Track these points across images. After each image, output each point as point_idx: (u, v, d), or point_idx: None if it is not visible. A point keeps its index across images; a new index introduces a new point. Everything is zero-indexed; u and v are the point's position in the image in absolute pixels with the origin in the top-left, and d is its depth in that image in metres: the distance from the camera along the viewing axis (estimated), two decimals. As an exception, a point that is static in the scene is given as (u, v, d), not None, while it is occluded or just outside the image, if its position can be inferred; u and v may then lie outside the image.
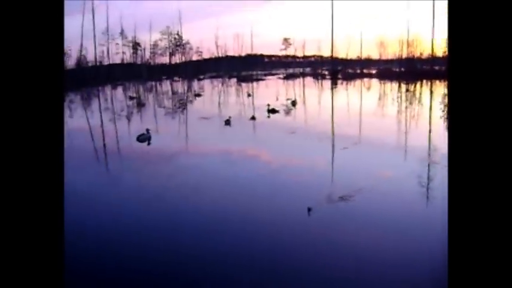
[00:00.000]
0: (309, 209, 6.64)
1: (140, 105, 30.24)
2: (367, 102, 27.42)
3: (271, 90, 43.67)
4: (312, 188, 8.18)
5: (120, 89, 50.23)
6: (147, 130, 14.89)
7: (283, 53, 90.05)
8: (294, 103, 25.66)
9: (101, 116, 23.59)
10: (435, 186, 8.10)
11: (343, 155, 11.34)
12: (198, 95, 37.29)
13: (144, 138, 14.55)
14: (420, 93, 34.53)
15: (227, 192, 8.22)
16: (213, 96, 36.66)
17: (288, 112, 22.43)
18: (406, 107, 24.04)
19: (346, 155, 11.27)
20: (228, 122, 17.84)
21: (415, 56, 61.66)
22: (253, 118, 19.55)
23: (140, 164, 11.48)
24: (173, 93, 43.22)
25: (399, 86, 42.65)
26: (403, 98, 30.62)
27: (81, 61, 65.76)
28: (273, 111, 21.36)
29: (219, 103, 29.84)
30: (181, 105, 29.39)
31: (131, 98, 34.64)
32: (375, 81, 53.63)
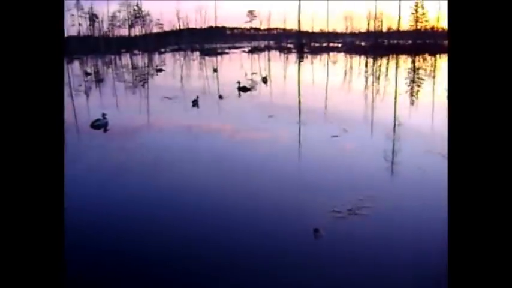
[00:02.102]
0: (316, 230, 5.35)
1: (97, 81, 28.02)
2: (338, 79, 26.24)
3: (236, 64, 42.33)
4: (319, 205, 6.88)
5: (76, 64, 47.35)
6: (103, 115, 12.86)
7: (248, 25, 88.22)
8: (265, 80, 24.18)
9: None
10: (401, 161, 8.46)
11: (336, 143, 10.08)
12: (160, 70, 35.11)
13: (100, 124, 12.61)
14: (391, 68, 33.68)
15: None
16: (176, 71, 34.72)
17: (259, 90, 20.99)
18: (378, 83, 23.09)
19: (340, 143, 10.01)
20: (195, 103, 16.07)
21: (382, 30, 61.15)
22: (220, 97, 18.04)
23: (90, 162, 9.35)
24: (133, 67, 40.89)
25: (368, 61, 41.83)
26: (373, 73, 29.69)
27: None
28: (243, 89, 19.85)
29: (182, 79, 28.00)
30: (142, 81, 27.27)
31: (87, 74, 32.15)
32: (341, 56, 52.81)
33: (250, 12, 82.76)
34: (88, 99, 20.13)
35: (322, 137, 10.55)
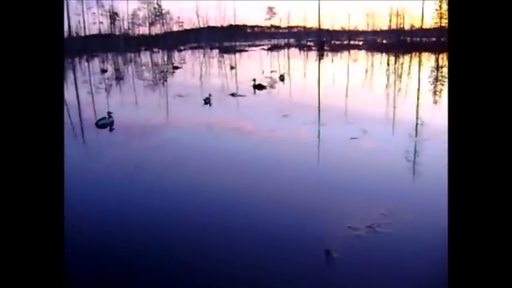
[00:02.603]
0: (328, 253, 4.61)
1: (113, 79, 27.58)
2: (358, 77, 25.29)
3: (255, 62, 41.74)
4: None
5: (95, 61, 47.29)
6: (109, 114, 12.26)
7: (268, 23, 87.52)
8: (282, 78, 23.35)
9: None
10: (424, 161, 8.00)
11: (355, 148, 9.24)
12: (177, 68, 34.61)
13: (105, 123, 12.02)
14: (413, 66, 32.47)
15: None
16: (193, 69, 34.19)
17: (275, 88, 20.22)
18: (401, 83, 22.09)
19: (359, 148, 9.19)
20: (207, 101, 15.36)
21: (404, 28, 59.72)
22: (233, 95, 17.35)
23: (91, 165, 8.95)
24: (150, 65, 40.49)
25: (390, 59, 40.65)
26: (395, 71, 28.62)
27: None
28: (259, 87, 19.11)
29: (199, 77, 27.39)
30: (157, 79, 26.65)
31: (103, 71, 31.80)
32: (362, 53, 51.66)
33: (270, 9, 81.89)
34: (98, 96, 19.56)
35: (339, 138, 9.73)
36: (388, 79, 23.66)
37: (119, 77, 28.36)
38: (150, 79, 27.01)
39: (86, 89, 21.30)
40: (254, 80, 19.37)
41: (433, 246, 4.62)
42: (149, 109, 15.52)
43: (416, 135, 9.94)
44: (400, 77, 25.22)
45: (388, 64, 35.83)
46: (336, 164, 7.96)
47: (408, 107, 14.32)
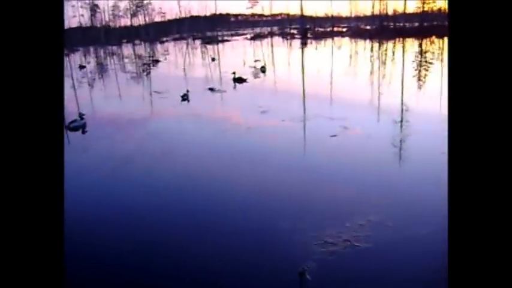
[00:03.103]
0: (302, 274, 4.20)
1: (91, 75, 26.79)
2: (342, 66, 24.80)
3: (237, 52, 41.10)
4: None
5: (75, 56, 46.28)
6: (81, 115, 11.63)
7: (250, 11, 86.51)
8: (263, 69, 22.73)
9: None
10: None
11: (334, 144, 8.80)
12: (157, 61, 33.81)
13: (77, 125, 11.34)
14: (397, 52, 32.07)
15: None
16: (173, 62, 33.45)
17: (257, 80, 19.69)
18: (384, 68, 21.69)
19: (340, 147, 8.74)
20: (185, 98, 14.80)
21: (388, 14, 59.27)
22: (212, 90, 16.74)
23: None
24: (131, 59, 39.60)
25: (374, 45, 40.25)
26: (379, 58, 28.22)
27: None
28: (239, 80, 18.54)
29: (179, 70, 26.73)
30: (137, 74, 25.91)
31: (81, 67, 30.89)
32: (346, 40, 51.18)
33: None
34: (72, 95, 18.76)
35: (319, 136, 9.29)
36: (372, 66, 23.27)
37: (97, 73, 27.56)
38: (130, 74, 26.19)
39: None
40: (234, 73, 18.79)
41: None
42: (124, 108, 14.87)
43: (402, 131, 9.53)
44: (384, 63, 24.89)
45: (371, 51, 35.48)
46: (315, 168, 7.50)
47: (393, 97, 13.74)
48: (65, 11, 66.85)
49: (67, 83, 22.26)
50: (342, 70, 22.69)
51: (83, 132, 11.17)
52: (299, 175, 7.03)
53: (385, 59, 27.21)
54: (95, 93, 19.08)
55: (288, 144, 8.87)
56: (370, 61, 26.02)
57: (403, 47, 36.69)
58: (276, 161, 7.81)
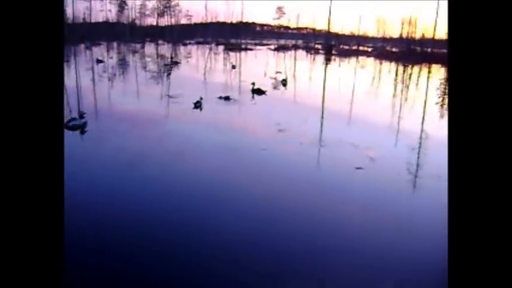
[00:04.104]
0: None
1: (107, 71, 26.06)
2: (365, 88, 23.77)
3: (259, 62, 40.29)
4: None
5: (96, 49, 45.92)
6: (81, 114, 10.79)
7: (276, 22, 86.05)
8: (284, 82, 21.77)
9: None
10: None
11: (359, 180, 7.71)
12: (176, 63, 33.04)
13: (76, 125, 10.48)
14: (422, 78, 30.83)
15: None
16: (193, 66, 32.68)
17: (276, 93, 18.71)
18: (407, 94, 20.58)
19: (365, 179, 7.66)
20: (197, 105, 13.86)
21: (415, 37, 58.08)
22: (226, 99, 15.75)
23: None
24: (151, 58, 38.99)
25: (399, 68, 39.09)
26: (403, 83, 27.08)
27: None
28: (258, 91, 17.58)
29: (197, 75, 25.90)
30: (153, 75, 25.07)
31: (98, 62, 30.26)
32: (371, 61, 50.08)
33: (279, 8, 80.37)
34: (81, 91, 17.86)
35: (342, 168, 8.16)
36: (394, 91, 22.16)
37: (114, 69, 26.83)
38: (147, 74, 25.42)
39: (72, 82, 19.72)
40: (253, 83, 17.82)
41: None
42: (130, 111, 13.71)
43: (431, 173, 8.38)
44: (407, 87, 23.91)
45: (396, 74, 34.34)
46: (337, 216, 6.30)
47: (420, 125, 12.64)
48: (93, 4, 67.39)
49: (81, 76, 21.57)
50: (365, 92, 21.68)
51: (82, 132, 10.27)
52: (316, 227, 5.80)
53: (408, 84, 26.10)
54: (105, 91, 18.14)
55: (306, 176, 7.69)
56: (394, 86, 24.91)
57: (429, 73, 35.45)
58: (290, 199, 6.64)
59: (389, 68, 40.96)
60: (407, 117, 14.67)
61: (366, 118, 13.87)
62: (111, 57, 37.40)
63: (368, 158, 8.57)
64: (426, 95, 20.70)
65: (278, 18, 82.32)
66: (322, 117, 13.59)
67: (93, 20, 70.32)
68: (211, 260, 4.70)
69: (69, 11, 62.12)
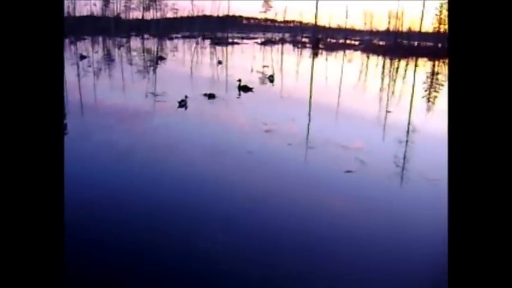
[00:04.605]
0: None
1: (90, 67, 25.45)
2: (353, 82, 23.54)
3: (246, 56, 39.83)
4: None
5: (81, 44, 45.10)
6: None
7: (263, 16, 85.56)
8: (271, 78, 21.38)
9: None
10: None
11: (350, 185, 7.40)
12: (161, 58, 32.45)
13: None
14: (409, 71, 30.63)
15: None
16: (179, 62, 32.14)
17: (263, 89, 18.35)
18: (394, 88, 20.35)
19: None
20: (182, 104, 13.36)
21: (402, 30, 58.02)
22: (210, 96, 15.27)
23: None
24: (135, 53, 38.33)
25: (386, 62, 38.95)
26: (390, 77, 26.89)
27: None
28: (244, 88, 17.20)
29: (181, 71, 25.42)
30: (137, 71, 24.42)
31: (82, 57, 29.55)
32: (358, 54, 49.91)
33: (266, 2, 79.84)
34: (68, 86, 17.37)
35: (331, 171, 7.82)
36: (383, 85, 22.00)
37: (97, 66, 26.17)
38: (130, 70, 24.84)
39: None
40: (239, 80, 17.37)
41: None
42: (114, 112, 13.02)
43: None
44: (394, 81, 23.91)
45: (383, 67, 34.19)
46: (323, 217, 6.07)
47: (413, 122, 12.37)
48: (64, 15, 66.50)
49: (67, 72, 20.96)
50: (353, 86, 21.45)
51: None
52: (307, 237, 5.47)
53: (395, 78, 25.96)
54: (86, 89, 17.27)
55: (294, 180, 7.30)
56: (382, 78, 24.74)
57: (415, 67, 35.36)
58: (276, 205, 6.33)
59: (376, 61, 40.83)
60: (396, 111, 14.35)
61: (356, 115, 13.59)
62: (96, 52, 36.69)
63: (359, 161, 8.23)
64: (413, 88, 20.49)
65: (265, 12, 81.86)
66: (310, 114, 13.26)
67: (77, 14, 69.41)
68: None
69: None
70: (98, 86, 18.58)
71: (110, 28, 65.71)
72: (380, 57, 44.87)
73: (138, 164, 7.94)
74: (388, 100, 17.39)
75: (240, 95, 16.56)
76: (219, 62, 30.29)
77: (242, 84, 17.29)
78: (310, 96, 17.27)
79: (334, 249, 5.12)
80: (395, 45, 52.32)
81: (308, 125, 11.69)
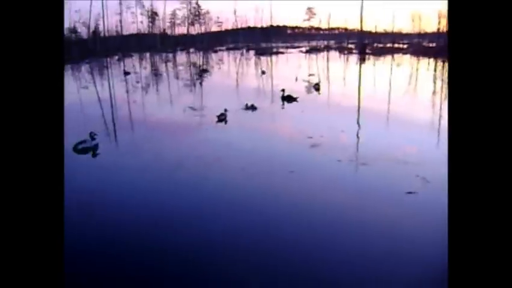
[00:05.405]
0: None
1: (132, 82, 25.39)
2: (407, 88, 22.18)
3: (291, 65, 39.03)
4: None
5: (127, 61, 45.92)
6: (92, 135, 9.72)
7: (307, 24, 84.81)
8: (317, 87, 20.32)
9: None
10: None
11: (413, 211, 6.36)
12: (205, 71, 32.13)
13: (87, 147, 9.51)
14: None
15: None
16: (223, 74, 31.74)
17: (308, 99, 17.37)
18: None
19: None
20: (222, 118, 12.58)
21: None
22: (253, 108, 14.42)
23: None
24: (180, 68, 38.34)
25: (438, 64, 36.99)
26: (444, 80, 25.16)
27: (92, 31, 63.66)
28: (288, 98, 16.30)
29: (226, 83, 24.88)
30: (181, 86, 24.03)
31: (126, 74, 29.63)
32: (407, 58, 47.92)
33: (309, 9, 79.13)
34: (93, 107, 16.96)
35: (389, 191, 6.75)
36: (436, 90, 20.49)
37: (139, 82, 26.01)
38: (174, 85, 24.63)
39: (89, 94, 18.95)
40: (283, 90, 16.51)
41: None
42: (150, 129, 12.45)
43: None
44: (446, 83, 22.07)
45: (435, 70, 32.39)
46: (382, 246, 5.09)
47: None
48: (124, 17, 68.44)
49: (107, 90, 20.87)
50: (405, 93, 20.07)
51: (94, 155, 9.30)
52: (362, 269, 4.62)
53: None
54: (126, 106, 17.01)
55: (344, 203, 6.34)
56: (435, 83, 23.19)
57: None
58: (325, 233, 5.46)
59: (427, 64, 38.91)
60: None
61: (409, 122, 12.37)
62: (144, 68, 37.04)
63: (421, 178, 7.09)
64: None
65: (308, 20, 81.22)
66: (360, 124, 12.14)
67: (125, 33, 71.33)
68: None
69: (101, 24, 63.19)
70: (139, 102, 18.17)
71: (156, 44, 67.14)
72: (431, 60, 42.84)
73: (165, 188, 7.21)
74: (442, 105, 16.00)
75: (283, 105, 15.66)
76: (263, 72, 29.58)
77: (286, 93, 16.41)
78: (359, 105, 16.14)
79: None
80: (445, 46, 49.96)
81: (358, 136, 10.60)
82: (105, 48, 52.63)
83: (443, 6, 61.19)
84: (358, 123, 12.38)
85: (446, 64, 36.42)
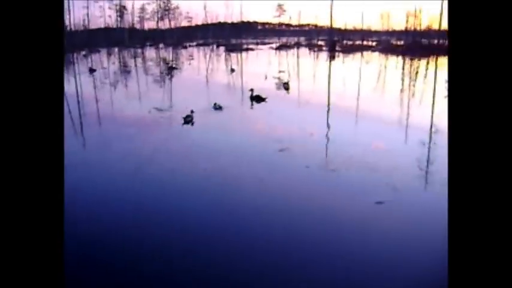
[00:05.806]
0: None
1: (97, 80, 24.69)
2: (377, 86, 22.25)
3: (261, 62, 38.85)
4: None
5: (95, 56, 44.91)
6: None
7: (277, 20, 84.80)
8: (286, 86, 20.14)
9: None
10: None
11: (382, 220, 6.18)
12: (172, 68, 31.50)
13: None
14: (431, 70, 29.02)
15: None
16: (192, 70, 31.25)
17: (277, 98, 17.15)
18: (415, 89, 18.91)
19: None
20: (188, 120, 12.11)
21: (421, 29, 56.29)
22: (218, 108, 14.11)
23: None
24: (148, 64, 37.63)
25: (406, 62, 37.42)
26: (411, 78, 25.42)
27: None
28: (257, 98, 16.03)
29: (193, 81, 24.44)
30: (145, 83, 23.46)
31: (91, 71, 28.80)
32: (376, 55, 48.38)
33: (279, 6, 79.08)
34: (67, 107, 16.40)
35: (359, 202, 6.48)
36: (404, 87, 20.66)
37: (105, 79, 25.27)
38: (138, 82, 23.99)
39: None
40: (252, 90, 16.23)
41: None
42: (112, 130, 11.98)
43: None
44: (415, 81, 22.99)
45: (403, 68, 32.74)
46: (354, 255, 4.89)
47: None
48: (91, 11, 66.92)
49: (72, 87, 20.17)
50: (373, 89, 20.09)
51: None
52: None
53: (416, 78, 24.64)
54: (89, 104, 16.34)
55: (314, 211, 6.11)
56: (402, 81, 23.39)
57: (436, 65, 33.75)
58: (294, 241, 5.25)
59: (396, 62, 39.33)
60: (424, 116, 12.93)
61: (379, 123, 12.30)
62: (110, 64, 36.19)
63: (391, 187, 6.90)
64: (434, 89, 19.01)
65: (279, 16, 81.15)
66: (330, 127, 11.95)
67: (92, 27, 69.87)
68: None
69: (67, 18, 61.56)
70: (102, 101, 17.46)
71: (124, 39, 65.97)
72: (399, 57, 43.33)
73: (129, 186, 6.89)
74: (412, 105, 16.05)
75: (252, 105, 15.40)
76: (232, 70, 29.19)
77: (255, 93, 16.14)
78: (328, 105, 16.00)
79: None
80: (414, 44, 50.69)
81: (328, 140, 10.40)
82: (71, 43, 51.21)
83: (411, 6, 62.12)
84: (328, 125, 12.19)
85: (414, 61, 36.99)
